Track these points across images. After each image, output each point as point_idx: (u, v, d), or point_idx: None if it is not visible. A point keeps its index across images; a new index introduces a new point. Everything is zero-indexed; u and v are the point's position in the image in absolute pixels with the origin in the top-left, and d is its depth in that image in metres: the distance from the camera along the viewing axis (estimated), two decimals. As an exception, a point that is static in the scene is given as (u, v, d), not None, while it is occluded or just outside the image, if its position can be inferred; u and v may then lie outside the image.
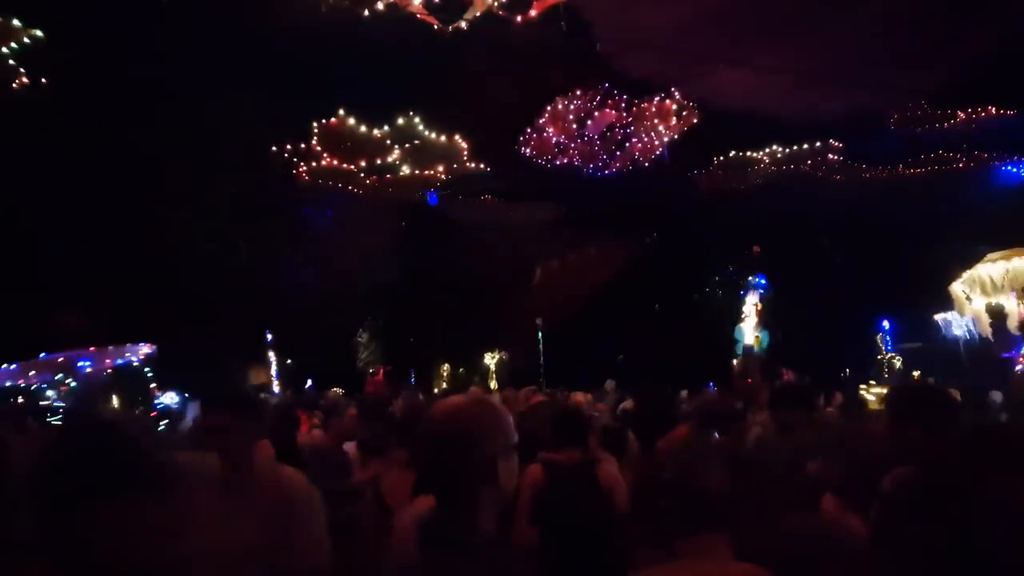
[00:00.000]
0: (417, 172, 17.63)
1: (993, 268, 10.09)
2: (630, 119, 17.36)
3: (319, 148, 16.67)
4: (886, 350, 19.24)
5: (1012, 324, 10.15)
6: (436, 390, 19.16)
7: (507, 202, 20.24)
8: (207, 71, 14.11)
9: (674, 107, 17.14)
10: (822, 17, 14.39)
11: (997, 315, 10.23)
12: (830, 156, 19.01)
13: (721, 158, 19.20)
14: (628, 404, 7.33)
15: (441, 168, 17.51)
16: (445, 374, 21.37)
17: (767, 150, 18.83)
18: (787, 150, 18.92)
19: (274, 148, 16.50)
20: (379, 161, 17.09)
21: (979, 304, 10.34)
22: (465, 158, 17.35)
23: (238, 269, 15.79)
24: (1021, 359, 12.35)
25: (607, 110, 17.30)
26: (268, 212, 16.44)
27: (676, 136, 17.53)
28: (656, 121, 17.49)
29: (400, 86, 14.86)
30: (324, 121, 16.20)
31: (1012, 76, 13.67)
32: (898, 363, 18.41)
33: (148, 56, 13.22)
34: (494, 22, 13.40)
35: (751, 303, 14.67)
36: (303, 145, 16.60)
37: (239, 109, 14.82)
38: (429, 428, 1.70)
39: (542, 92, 17.00)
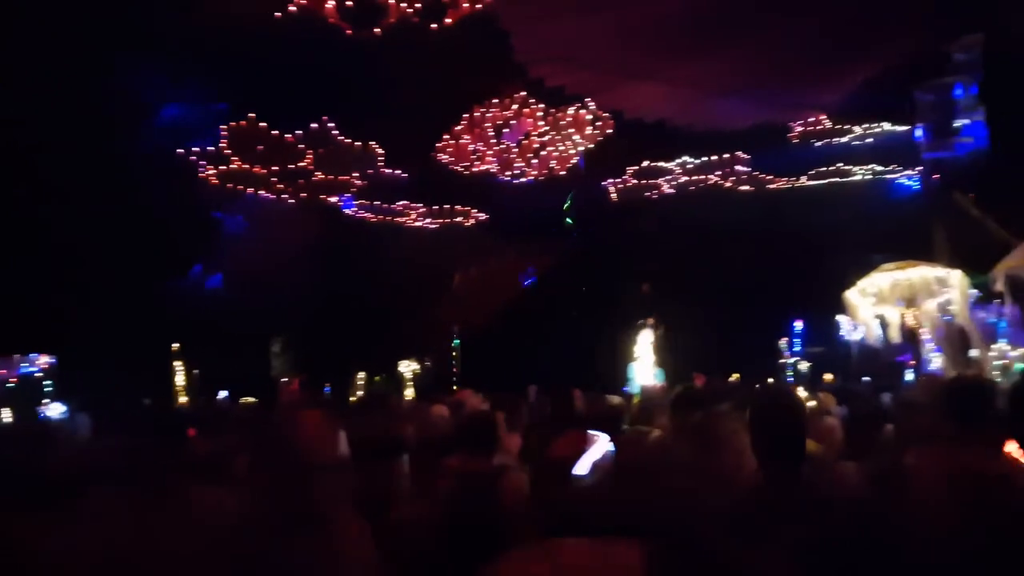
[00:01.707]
0: (332, 177, 17.43)
1: (883, 278, 10.65)
2: (546, 128, 17.55)
3: (229, 151, 16.29)
4: (792, 354, 20.00)
5: (895, 332, 10.74)
6: (352, 399, 18.90)
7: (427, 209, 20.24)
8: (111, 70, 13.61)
9: (589, 117, 17.41)
10: (731, 33, 14.82)
11: (885, 322, 10.81)
12: (738, 167, 19.65)
13: (633, 168, 19.63)
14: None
15: (356, 174, 17.36)
16: (361, 383, 21.11)
17: (678, 161, 19.33)
18: (697, 161, 19.47)
19: (180, 150, 16.04)
20: (292, 166, 16.82)
21: (868, 311, 10.90)
22: (381, 164, 17.25)
23: (140, 274, 15.24)
24: (912, 363, 13.04)
25: (524, 119, 17.43)
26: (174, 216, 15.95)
27: (591, 145, 17.82)
28: (572, 131, 17.73)
29: (313, 90, 14.66)
30: (233, 123, 15.86)
31: (904, 95, 14.41)
32: (804, 367, 19.15)
33: (44, 51, 12.65)
34: (409, 29, 13.32)
35: (646, 342, 14.91)
36: (211, 148, 16.19)
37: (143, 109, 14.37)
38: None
39: (459, 100, 17.02)
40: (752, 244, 22.30)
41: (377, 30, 12.91)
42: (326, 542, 2.18)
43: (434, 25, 13.51)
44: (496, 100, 16.79)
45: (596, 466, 3.12)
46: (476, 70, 15.99)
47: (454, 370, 19.11)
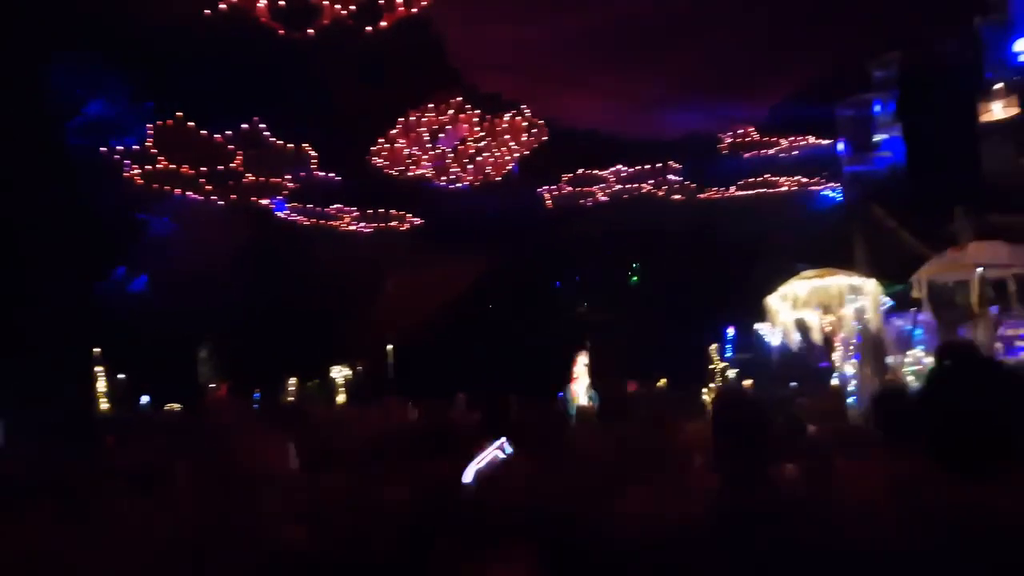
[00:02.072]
0: (263, 179, 17.10)
1: (802, 285, 11.02)
2: (482, 134, 17.60)
3: (155, 151, 15.84)
4: (721, 360, 20.45)
5: (816, 337, 11.11)
6: (282, 404, 18.54)
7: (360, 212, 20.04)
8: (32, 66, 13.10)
9: (525, 124, 17.53)
10: (663, 47, 15.15)
11: (804, 329, 11.18)
12: (670, 176, 20.04)
13: (568, 175, 19.84)
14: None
15: (288, 176, 17.08)
16: (292, 389, 20.72)
17: (612, 169, 19.62)
18: (631, 169, 19.78)
19: (103, 148, 15.52)
20: (221, 167, 16.45)
21: (787, 317, 11.27)
22: (314, 166, 17.02)
23: (60, 275, 14.67)
24: (833, 368, 13.49)
25: (460, 124, 17.45)
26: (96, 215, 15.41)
27: (526, 152, 17.94)
28: (507, 137, 17.82)
29: (244, 90, 14.38)
30: (160, 122, 15.43)
31: (827, 109, 14.94)
32: (731, 373, 19.60)
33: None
34: (344, 31, 13.20)
35: (582, 363, 15.05)
36: (136, 146, 15.71)
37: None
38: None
39: (394, 104, 16.93)
40: (684, 252, 22.78)
41: (310, 31, 12.74)
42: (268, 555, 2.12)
43: (369, 28, 13.43)
44: (432, 105, 16.77)
45: (479, 473, 3.16)
46: (412, 74, 15.95)
47: (388, 376, 18.93)
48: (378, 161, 17.95)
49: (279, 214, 19.36)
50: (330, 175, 17.90)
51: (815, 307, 10.93)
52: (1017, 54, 10.85)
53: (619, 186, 20.47)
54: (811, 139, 17.84)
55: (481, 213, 19.39)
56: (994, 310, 11.20)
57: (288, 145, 16.33)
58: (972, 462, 1.67)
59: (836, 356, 11.43)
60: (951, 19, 11.88)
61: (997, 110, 12.38)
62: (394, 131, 17.08)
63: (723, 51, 15.11)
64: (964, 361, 1.91)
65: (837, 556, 2.00)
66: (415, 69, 15.88)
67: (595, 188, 20.51)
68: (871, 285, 10.85)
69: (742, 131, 18.77)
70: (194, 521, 2.17)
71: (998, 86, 12.27)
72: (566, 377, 17.64)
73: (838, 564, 1.97)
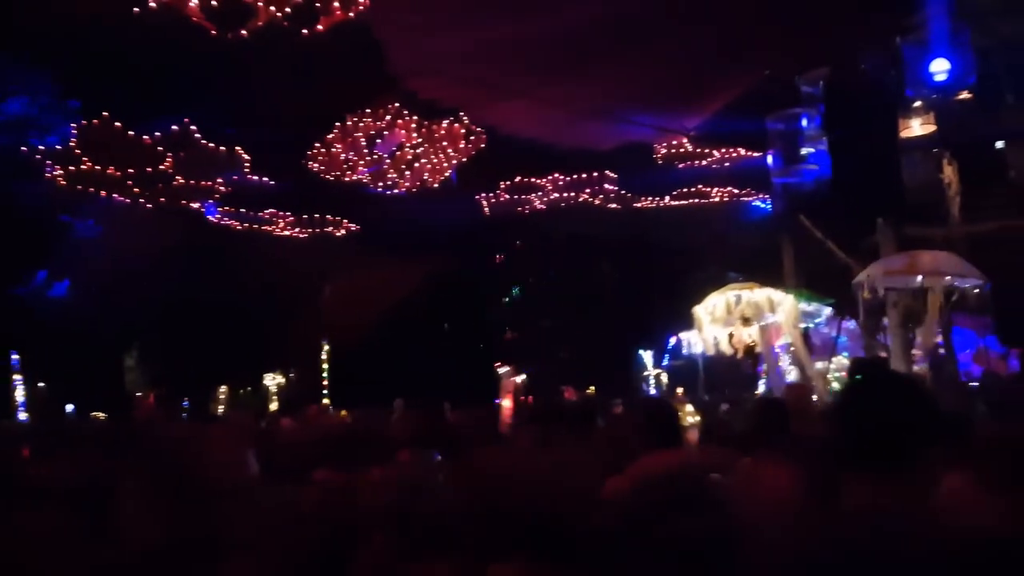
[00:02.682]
0: (193, 182, 16.68)
1: (726, 296, 11.33)
2: (420, 140, 17.52)
3: (79, 151, 15.29)
4: (655, 367, 20.81)
5: (738, 348, 11.42)
6: (213, 414, 18.12)
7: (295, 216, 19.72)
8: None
9: (463, 131, 17.52)
10: (601, 57, 15.33)
11: (727, 339, 11.48)
12: (606, 186, 20.29)
13: (506, 183, 19.90)
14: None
15: (220, 180, 16.69)
16: (223, 397, 20.26)
17: (550, 177, 19.76)
18: (568, 178, 19.96)
19: (23, 148, 14.92)
20: (150, 169, 15.97)
21: (709, 328, 11.57)
22: (247, 170, 16.68)
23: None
24: (764, 374, 13.85)
25: (397, 130, 17.33)
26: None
27: (464, 159, 17.93)
28: (445, 144, 17.78)
29: (174, 91, 14.01)
30: (86, 122, 14.91)
31: (758, 122, 15.29)
32: (665, 379, 19.95)
33: None
34: (279, 34, 12.97)
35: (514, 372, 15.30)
36: (59, 147, 15.14)
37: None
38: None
39: (331, 108, 16.73)
40: (620, 260, 23.10)
41: (244, 32, 12.48)
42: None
43: (305, 31, 13.23)
44: (369, 110, 16.62)
45: (399, 483, 3.17)
46: (349, 79, 15.78)
47: (323, 383, 18.65)
48: (314, 166, 17.69)
49: (211, 218, 18.93)
50: (264, 179, 17.56)
51: (738, 319, 11.24)
52: (933, 74, 11.33)
53: (556, 194, 20.63)
54: (743, 151, 18.28)
55: (419, 220, 19.30)
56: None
57: (220, 148, 15.96)
58: (873, 465, 1.77)
59: (764, 365, 11.77)
60: (874, 38, 12.35)
61: (916, 127, 12.92)
62: (331, 135, 16.86)
63: (659, 64, 15.38)
64: (872, 375, 2.07)
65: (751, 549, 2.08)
66: (353, 74, 15.71)
67: (532, 196, 20.62)
68: (788, 300, 11.23)
69: (676, 142, 19.12)
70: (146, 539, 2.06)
71: (917, 104, 12.79)
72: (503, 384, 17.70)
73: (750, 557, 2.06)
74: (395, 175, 18.26)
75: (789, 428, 3.86)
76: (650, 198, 21.15)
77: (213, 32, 12.23)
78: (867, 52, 12.42)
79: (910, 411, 1.80)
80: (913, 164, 12.23)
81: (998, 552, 1.66)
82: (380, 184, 18.52)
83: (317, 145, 17.19)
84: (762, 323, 11.35)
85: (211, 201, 18.12)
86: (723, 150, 18.88)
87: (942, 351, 12.95)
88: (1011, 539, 1.83)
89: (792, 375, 12.00)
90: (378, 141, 17.06)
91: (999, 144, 12.78)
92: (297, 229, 20.12)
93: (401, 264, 20.41)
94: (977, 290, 10.03)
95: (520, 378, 17.45)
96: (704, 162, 19.64)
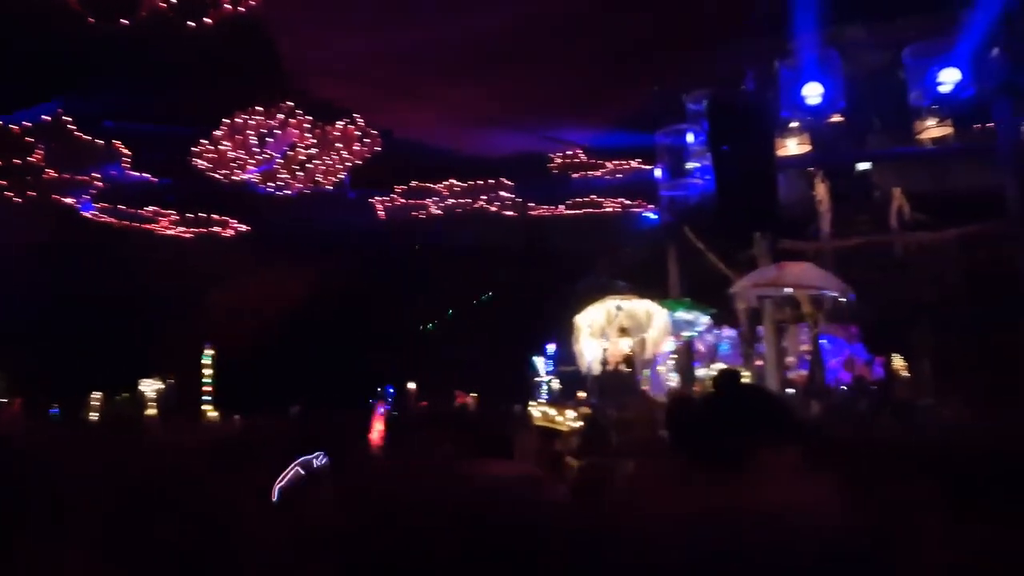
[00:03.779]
0: (66, 176, 15.78)
1: (607, 306, 11.69)
2: (313, 141, 17.20)
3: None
4: (547, 373, 21.09)
5: (617, 356, 11.78)
6: (85, 420, 17.16)
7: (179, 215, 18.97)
8: None
9: (358, 133, 17.32)
10: (498, 66, 15.51)
11: (607, 348, 11.83)
12: (502, 193, 20.47)
13: (402, 187, 19.80)
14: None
15: (97, 174, 15.86)
16: (97, 403, 19.21)
17: (446, 183, 19.78)
18: (464, 184, 20.04)
19: None
20: (17, 160, 15.02)
21: (587, 338, 11.92)
22: (127, 165, 15.93)
23: None
24: (647, 382, 14.25)
25: (290, 129, 16.97)
26: None
27: (359, 162, 17.72)
28: (340, 145, 17.53)
29: (47, 79, 13.24)
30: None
31: (648, 136, 15.75)
32: (556, 384, 20.23)
33: None
34: (164, 25, 12.49)
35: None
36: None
37: None
38: None
39: (219, 104, 16.21)
40: (515, 267, 23.32)
41: (125, 21, 11.95)
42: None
43: (192, 23, 12.79)
44: (260, 108, 16.21)
45: (281, 491, 3.14)
46: (240, 75, 15.35)
47: (205, 389, 17.96)
48: (200, 163, 17.08)
49: (86, 214, 17.94)
50: (145, 175, 16.82)
51: (616, 330, 11.60)
52: (807, 97, 12.02)
53: (452, 200, 20.67)
54: (634, 164, 18.84)
55: (311, 222, 18.93)
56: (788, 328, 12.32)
57: (97, 140, 15.18)
58: (725, 463, 1.89)
59: (646, 371, 12.14)
60: (755, 61, 13.01)
61: (792, 146, 13.66)
62: (218, 132, 16.33)
63: (554, 76, 15.71)
64: (728, 384, 2.27)
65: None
66: (243, 70, 15.30)
67: (428, 201, 20.58)
68: (661, 311, 11.68)
69: (571, 153, 19.53)
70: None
71: (793, 124, 13.53)
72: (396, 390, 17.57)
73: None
74: (287, 175, 17.86)
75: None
76: (545, 206, 21.50)
77: (91, 20, 11.65)
78: (749, 74, 13.06)
79: (756, 417, 1.95)
80: (788, 182, 12.91)
81: (827, 547, 1.78)
82: (271, 184, 18.06)
83: (203, 142, 16.62)
84: (640, 335, 11.73)
85: (86, 196, 17.18)
86: (615, 162, 19.42)
87: (804, 359, 13.77)
88: (844, 535, 1.96)
89: (673, 382, 12.44)
90: (269, 140, 16.65)
91: (866, 165, 13.66)
92: (181, 228, 19.34)
93: (294, 266, 19.93)
94: (843, 299, 10.70)
95: (411, 385, 17.36)
96: (598, 172, 20.14)
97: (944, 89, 11.85)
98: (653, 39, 13.09)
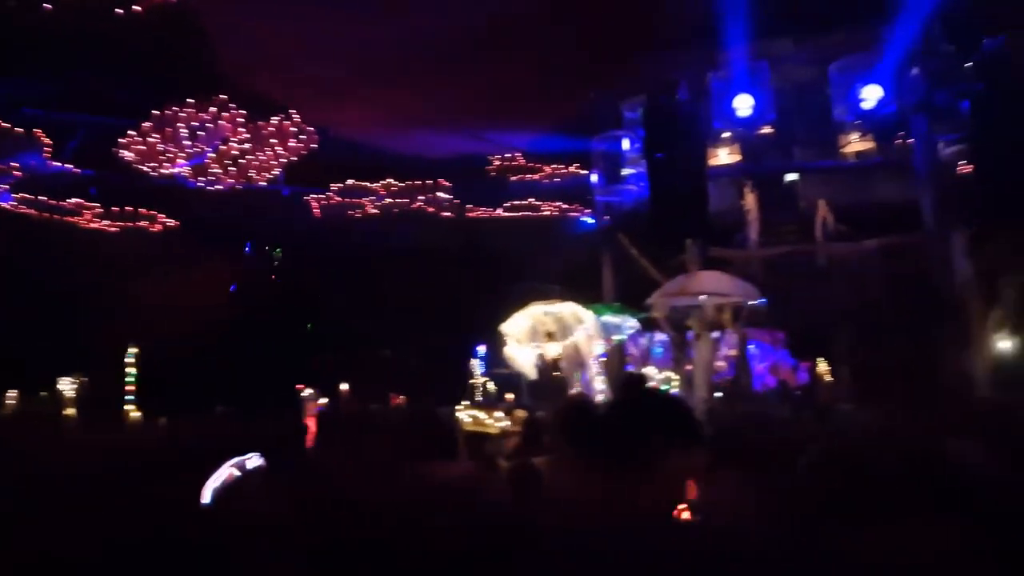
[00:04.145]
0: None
1: (534, 312, 11.80)
2: (247, 136, 16.85)
3: None
4: (481, 375, 21.08)
5: (546, 360, 11.90)
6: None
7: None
8: None
9: (293, 129, 17.04)
10: (440, 69, 15.49)
11: (536, 353, 11.95)
12: (440, 194, 20.42)
13: (338, 185, 19.56)
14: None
15: (15, 163, 15.23)
16: (12, 402, 18.42)
17: (383, 182, 19.63)
18: (402, 184, 19.92)
19: None
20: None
21: (514, 344, 12.01)
22: (48, 155, 15.33)
23: None
24: (578, 384, 14.37)
25: (222, 123, 16.59)
26: None
27: (294, 159, 17.43)
28: (274, 141, 17.22)
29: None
30: None
31: (585, 142, 15.93)
32: (491, 386, 20.25)
33: None
34: (90, 11, 12.08)
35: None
36: None
37: None
38: None
39: (149, 95, 15.75)
40: (452, 268, 23.26)
41: (48, 6, 11.52)
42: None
43: (120, 10, 12.41)
44: (192, 100, 15.81)
45: (214, 492, 3.08)
46: (171, 66, 14.95)
47: (128, 388, 17.37)
48: (128, 155, 16.56)
49: (4, 205, 17.19)
50: (68, 166, 16.22)
51: (543, 336, 11.71)
52: (736, 109, 12.33)
53: (390, 200, 20.52)
54: (571, 168, 19.01)
55: (244, 218, 18.54)
56: (716, 334, 12.59)
57: (16, 128, 14.57)
58: (626, 463, 1.95)
59: (577, 375, 12.26)
60: (689, 72, 13.29)
61: (723, 156, 14.00)
62: (147, 124, 15.86)
63: (493, 80, 15.75)
64: (632, 390, 2.35)
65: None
66: (175, 60, 14.90)
67: (365, 200, 20.38)
68: (589, 316, 11.84)
69: (510, 156, 19.60)
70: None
71: (725, 135, 13.87)
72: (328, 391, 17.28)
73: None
74: (218, 170, 17.44)
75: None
76: (483, 208, 21.52)
77: (12, 3, 11.20)
78: (683, 84, 13.33)
79: (657, 421, 2.01)
80: (719, 191, 13.23)
81: (716, 546, 1.84)
82: (202, 179, 17.62)
83: (131, 133, 16.12)
84: (567, 339, 11.86)
85: (3, 187, 16.47)
86: (553, 166, 19.58)
87: (733, 364, 14.12)
88: (736, 534, 2.02)
89: (603, 385, 12.57)
90: (200, 134, 16.24)
91: (793, 176, 14.09)
92: (106, 222, 18.69)
93: (222, 264, 19.47)
94: (753, 304, 11.02)
95: (344, 386, 17.13)
96: (536, 176, 20.26)
97: (867, 105, 12.31)
98: (588, 47, 13.27)
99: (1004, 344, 18.07)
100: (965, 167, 12.40)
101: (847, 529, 2.88)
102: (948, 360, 12.14)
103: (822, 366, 17.92)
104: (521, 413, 7.31)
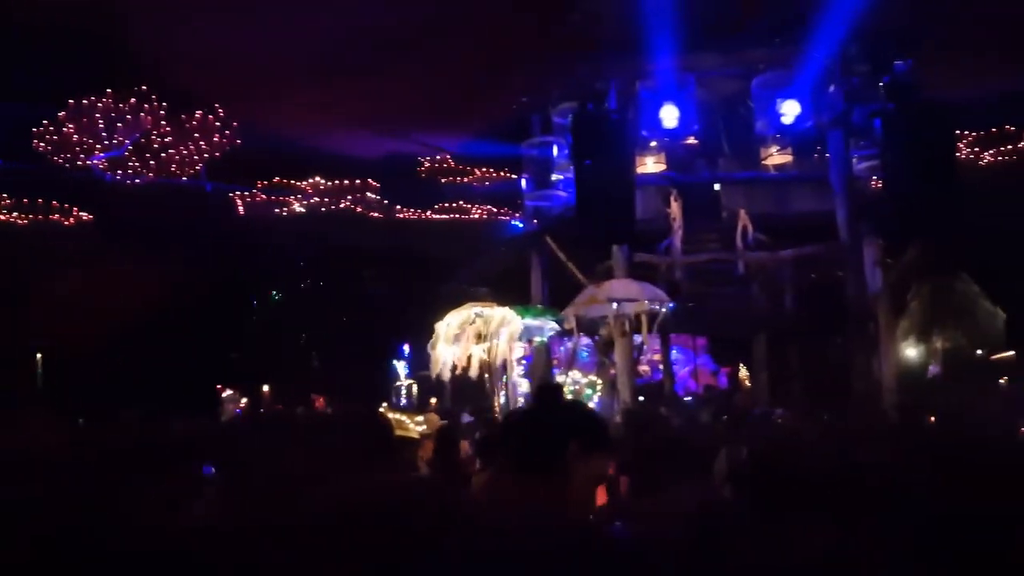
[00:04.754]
0: None
1: (464, 313, 11.82)
2: (168, 129, 16.36)
3: None
4: (406, 377, 20.96)
5: (472, 363, 11.94)
6: None
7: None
8: None
9: (218, 124, 16.63)
10: (371, 68, 15.34)
11: (461, 356, 11.97)
12: (369, 194, 20.25)
13: (264, 182, 19.18)
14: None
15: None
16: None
17: (310, 180, 19.34)
18: (330, 183, 19.66)
19: None
20: None
21: (443, 345, 12.01)
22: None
23: None
24: (502, 386, 14.43)
25: (143, 115, 16.07)
26: None
27: (217, 154, 17.00)
28: (197, 135, 16.76)
29: None
30: None
31: (515, 147, 15.98)
32: (415, 389, 20.15)
33: None
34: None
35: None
36: None
37: None
38: None
39: (64, 84, 15.14)
40: (380, 270, 23.05)
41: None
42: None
43: (34, -5, 11.90)
44: (110, 91, 15.27)
45: None
46: (88, 54, 14.40)
47: (32, 388, 16.64)
48: (40, 145, 15.87)
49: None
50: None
51: (472, 336, 11.74)
52: (663, 119, 12.60)
53: (317, 199, 20.23)
54: (502, 173, 19.11)
55: (164, 215, 17.95)
56: (637, 338, 12.81)
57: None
58: (535, 467, 2.02)
59: (501, 378, 12.32)
60: (618, 80, 13.48)
61: (650, 164, 14.27)
62: (61, 113, 15.24)
63: (425, 81, 15.72)
64: (543, 398, 2.45)
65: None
66: (93, 48, 14.35)
67: (291, 199, 20.04)
68: (515, 319, 11.93)
69: (440, 158, 19.57)
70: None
71: (652, 144, 14.14)
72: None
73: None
74: (138, 164, 16.88)
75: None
76: (413, 210, 21.43)
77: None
78: (613, 93, 13.52)
79: (568, 429, 2.08)
80: (645, 198, 13.46)
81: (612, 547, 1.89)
82: (119, 172, 17.02)
83: (45, 123, 15.47)
84: (495, 340, 11.91)
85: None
86: (483, 170, 19.64)
87: (657, 368, 14.41)
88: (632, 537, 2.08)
89: (524, 387, 12.65)
90: (119, 125, 15.69)
91: (716, 187, 14.44)
92: (15, 214, 17.85)
93: (143, 260, 18.83)
94: (663, 308, 11.28)
95: (265, 388, 16.81)
96: (466, 179, 20.29)
97: (786, 120, 12.72)
98: (520, 50, 13.38)
99: (910, 352, 18.97)
100: (878, 182, 12.96)
101: (762, 529, 2.99)
102: (858, 366, 12.64)
103: (742, 371, 18.48)
104: (435, 418, 7.26)
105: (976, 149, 20.29)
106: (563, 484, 1.99)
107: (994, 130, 20.05)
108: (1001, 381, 15.94)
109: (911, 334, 19.12)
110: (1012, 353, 17.93)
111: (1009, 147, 20.49)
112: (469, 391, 12.93)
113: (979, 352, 18.49)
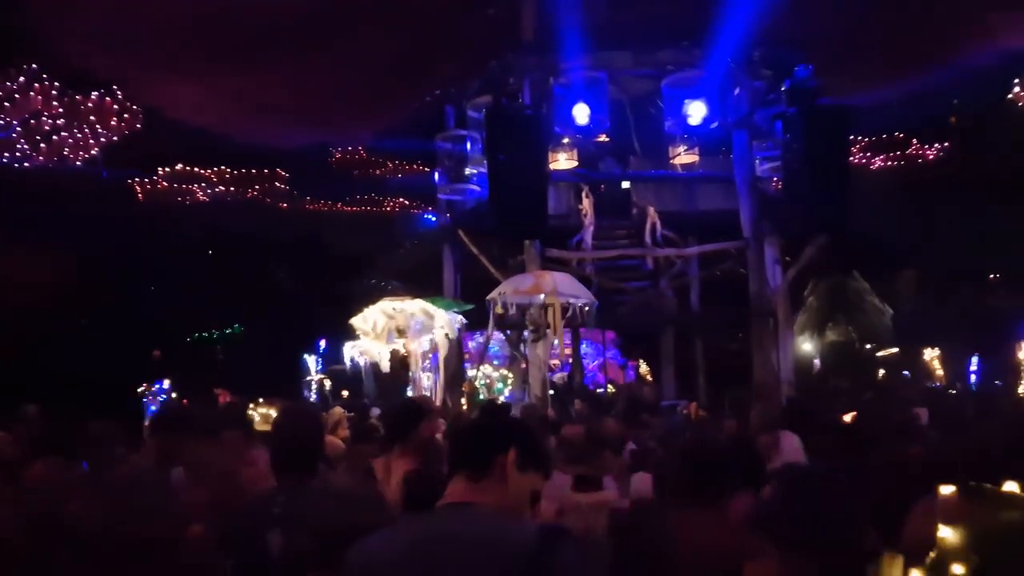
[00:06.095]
0: None
1: (382, 307, 11.71)
2: (61, 110, 15.51)
3: None
4: (318, 371, 20.57)
5: (389, 356, 11.87)
6: None
7: None
8: None
9: (116, 107, 15.87)
10: (281, 54, 14.92)
11: (382, 349, 11.88)
12: (277, 184, 19.75)
13: (166, 169, 18.43)
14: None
15: None
16: None
17: (216, 169, 18.71)
18: (236, 172, 19.08)
19: None
20: None
21: (363, 339, 11.89)
22: None
23: None
24: (427, 380, 14.34)
25: (33, 96, 15.19)
26: None
27: (115, 138, 16.23)
28: (93, 119, 15.95)
29: None
30: None
31: (429, 141, 15.86)
32: (328, 384, 19.80)
33: None
34: None
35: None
36: None
37: None
38: None
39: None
40: (289, 261, 22.54)
41: None
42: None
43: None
44: (-3, 68, 14.37)
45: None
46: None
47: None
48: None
49: None
50: None
51: (392, 331, 11.65)
52: (574, 117, 12.76)
53: (222, 187, 19.59)
54: (414, 166, 18.98)
55: (58, 201, 17.02)
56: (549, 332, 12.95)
57: None
58: (468, 465, 2.13)
59: (417, 373, 12.27)
60: (532, 75, 13.56)
61: (562, 160, 14.45)
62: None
63: (338, 70, 15.41)
64: (492, 408, 2.60)
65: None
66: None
67: (195, 187, 19.34)
68: (441, 313, 11.90)
69: (352, 149, 19.26)
70: None
71: (565, 140, 14.32)
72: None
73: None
74: (27, 147, 15.92)
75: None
76: (323, 201, 21.03)
77: None
78: (526, 88, 13.60)
79: (508, 434, 2.17)
80: (557, 194, 13.63)
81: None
82: (7, 155, 16.02)
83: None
84: (423, 336, 11.87)
85: None
86: (397, 162, 19.45)
87: (567, 363, 14.63)
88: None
89: (427, 381, 12.59)
90: (6, 105, 14.78)
91: (626, 184, 14.75)
92: None
93: (30, 251, 17.81)
94: (588, 307, 11.49)
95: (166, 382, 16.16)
96: (379, 171, 20.04)
97: (693, 121, 13.08)
98: (436, 42, 13.30)
99: (806, 345, 19.87)
100: (779, 183, 13.50)
101: (677, 510, 3.12)
102: (759, 360, 13.14)
103: (644, 366, 18.96)
104: (339, 411, 7.09)
105: (868, 154, 21.41)
106: (497, 488, 2.04)
107: (884, 136, 21.21)
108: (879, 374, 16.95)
109: (807, 329, 20.10)
110: (896, 350, 19.07)
111: (898, 153, 21.71)
112: (388, 387, 12.78)
113: (868, 347, 19.58)
